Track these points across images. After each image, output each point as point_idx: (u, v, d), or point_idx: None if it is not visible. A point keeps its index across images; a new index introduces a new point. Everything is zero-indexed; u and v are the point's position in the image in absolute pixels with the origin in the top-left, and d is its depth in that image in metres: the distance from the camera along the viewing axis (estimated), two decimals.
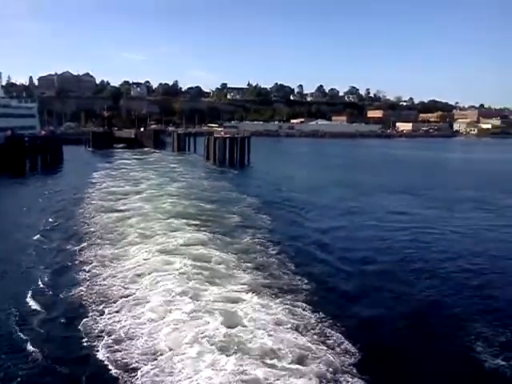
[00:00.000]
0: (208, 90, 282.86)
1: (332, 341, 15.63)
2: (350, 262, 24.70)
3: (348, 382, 13.43)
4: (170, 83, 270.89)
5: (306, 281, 20.94)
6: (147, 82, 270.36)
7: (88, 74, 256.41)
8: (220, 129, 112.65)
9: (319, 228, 32.58)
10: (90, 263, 23.23)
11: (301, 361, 14.19)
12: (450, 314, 18.56)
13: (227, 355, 14.22)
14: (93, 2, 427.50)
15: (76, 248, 26.18)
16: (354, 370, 13.98)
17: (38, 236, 28.82)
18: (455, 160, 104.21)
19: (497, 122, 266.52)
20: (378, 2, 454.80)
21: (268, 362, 14.02)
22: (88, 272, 21.99)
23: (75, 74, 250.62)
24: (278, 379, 13.13)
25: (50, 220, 33.59)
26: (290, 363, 13.97)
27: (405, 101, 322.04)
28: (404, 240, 29.53)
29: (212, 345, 14.88)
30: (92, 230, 30.33)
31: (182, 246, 25.49)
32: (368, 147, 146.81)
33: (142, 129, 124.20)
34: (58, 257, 25.11)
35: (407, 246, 28.05)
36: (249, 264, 22.90)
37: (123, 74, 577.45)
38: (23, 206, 40.08)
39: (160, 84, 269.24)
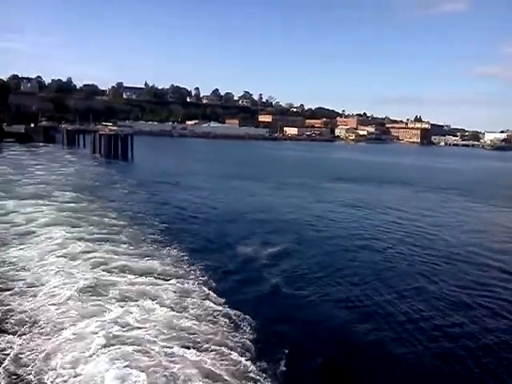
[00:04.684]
0: (104, 88, 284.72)
1: None
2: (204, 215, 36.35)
3: None
4: (64, 79, 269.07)
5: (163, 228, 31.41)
6: (39, 77, 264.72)
7: None
8: (115, 127, 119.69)
9: (181, 197, 44.53)
10: None
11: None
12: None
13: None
14: None
15: None
16: None
17: None
18: (315, 158, 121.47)
19: (372, 129, 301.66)
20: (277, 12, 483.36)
21: None
22: None
23: None
24: None
25: None
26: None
27: (296, 107, 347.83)
28: (235, 204, 41.92)
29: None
30: None
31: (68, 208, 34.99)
32: (254, 148, 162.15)
33: (32, 125, 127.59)
34: None
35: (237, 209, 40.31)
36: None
37: (11, 68, 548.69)
38: None
39: (53, 80, 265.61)
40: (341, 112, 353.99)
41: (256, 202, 44.38)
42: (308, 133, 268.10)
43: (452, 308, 19.73)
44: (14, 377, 12.90)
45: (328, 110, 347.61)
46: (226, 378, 13.19)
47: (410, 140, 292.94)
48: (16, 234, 26.48)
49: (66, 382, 12.71)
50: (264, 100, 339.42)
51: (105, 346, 14.27)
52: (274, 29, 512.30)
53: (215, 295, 18.96)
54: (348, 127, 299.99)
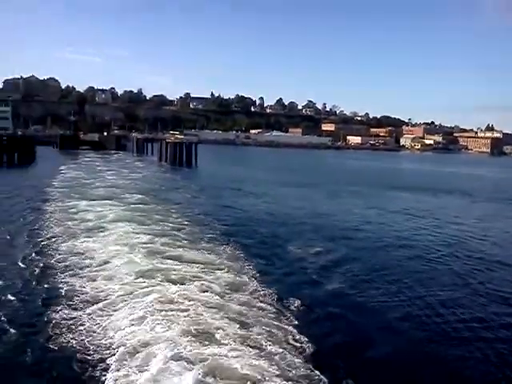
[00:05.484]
0: (172, 99, 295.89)
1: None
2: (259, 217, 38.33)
3: None
4: (135, 90, 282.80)
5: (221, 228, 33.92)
6: (112, 88, 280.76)
7: (53, 78, 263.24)
8: (181, 136, 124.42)
9: (241, 202, 46.37)
10: (57, 237, 27.18)
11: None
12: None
13: None
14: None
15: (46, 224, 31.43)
16: None
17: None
18: (378, 168, 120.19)
19: (439, 138, 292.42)
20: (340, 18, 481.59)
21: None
22: (51, 245, 25.58)
23: (41, 78, 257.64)
24: None
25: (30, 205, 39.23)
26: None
27: (360, 116, 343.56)
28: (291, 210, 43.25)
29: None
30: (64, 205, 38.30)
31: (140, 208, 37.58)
32: (316, 156, 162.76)
33: (105, 133, 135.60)
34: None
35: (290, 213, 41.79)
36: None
37: (88, 80, 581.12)
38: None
39: (125, 91, 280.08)
40: (407, 121, 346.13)
41: (314, 208, 45.03)
42: (372, 142, 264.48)
43: None
44: (78, 344, 14.84)
45: (394, 118, 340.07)
46: (271, 350, 14.44)
47: (479, 150, 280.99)
48: (84, 229, 29.28)
49: (122, 339, 14.77)
50: (328, 109, 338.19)
51: (155, 314, 16.19)
52: (344, 36, 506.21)
53: (266, 288, 20.17)
54: (414, 136, 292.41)
